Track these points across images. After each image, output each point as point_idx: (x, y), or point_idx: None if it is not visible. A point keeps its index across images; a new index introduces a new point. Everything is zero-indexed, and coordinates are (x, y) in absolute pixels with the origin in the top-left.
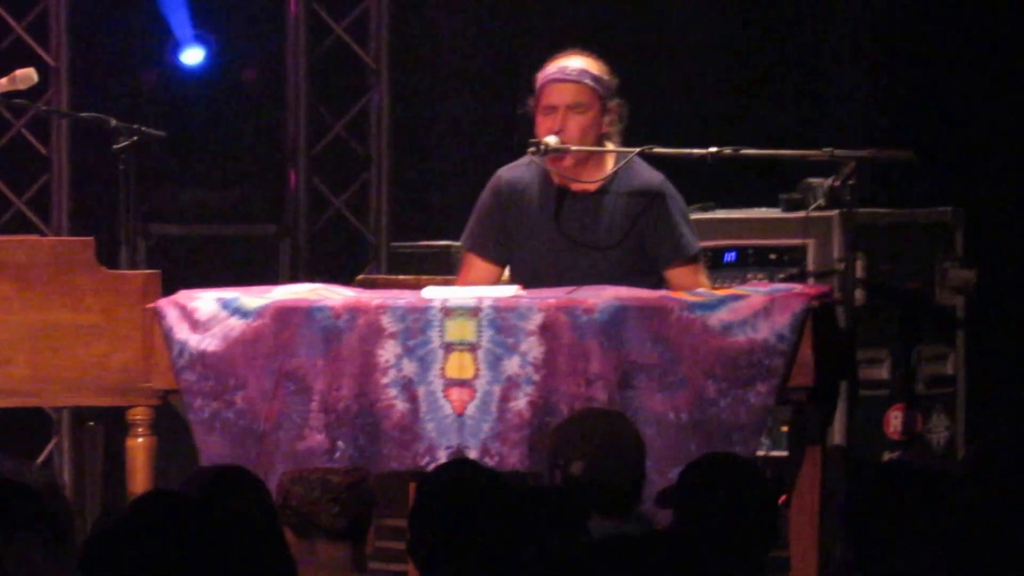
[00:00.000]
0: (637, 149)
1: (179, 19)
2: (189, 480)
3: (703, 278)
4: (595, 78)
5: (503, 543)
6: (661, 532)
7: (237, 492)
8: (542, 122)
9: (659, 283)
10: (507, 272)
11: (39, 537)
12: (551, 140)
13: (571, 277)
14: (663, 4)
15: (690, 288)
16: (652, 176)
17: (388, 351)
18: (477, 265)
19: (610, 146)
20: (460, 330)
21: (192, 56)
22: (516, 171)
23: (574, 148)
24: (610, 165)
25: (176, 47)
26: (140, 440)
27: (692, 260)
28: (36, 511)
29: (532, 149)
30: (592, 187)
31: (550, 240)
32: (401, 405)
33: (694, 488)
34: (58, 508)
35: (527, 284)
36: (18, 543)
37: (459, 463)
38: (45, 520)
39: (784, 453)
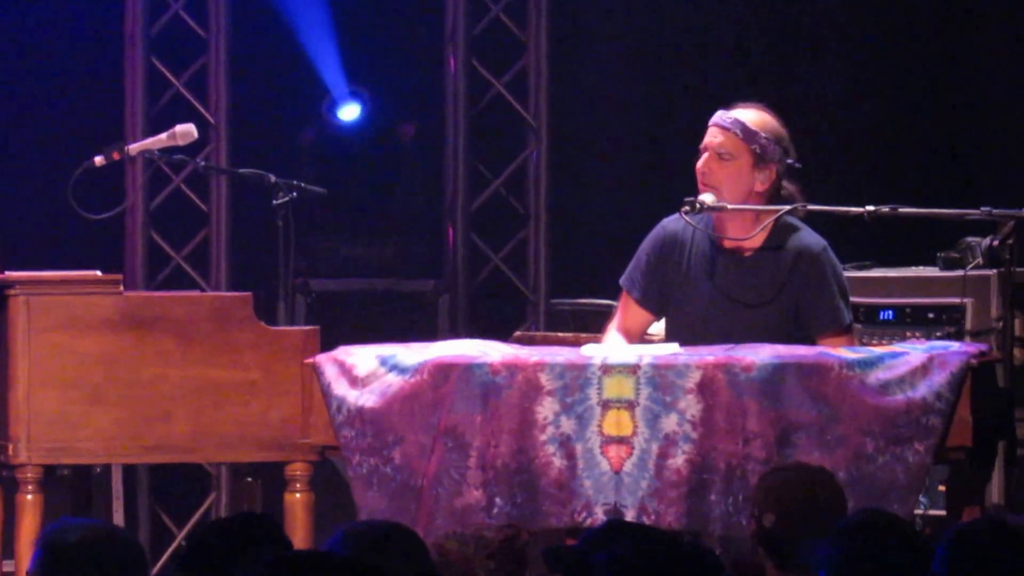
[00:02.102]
0: (790, 207)
1: (334, 76)
2: (343, 537)
3: None
4: (746, 130)
5: None
6: None
7: (392, 550)
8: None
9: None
10: (662, 323)
11: None
12: (707, 199)
13: (726, 334)
14: (814, 58)
15: (854, 347)
16: (814, 241)
17: (546, 408)
18: (632, 308)
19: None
20: (618, 388)
21: (349, 113)
22: (679, 223)
23: (730, 207)
24: (769, 227)
25: (332, 104)
26: (298, 496)
27: (845, 331)
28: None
29: (686, 208)
30: (751, 245)
31: (707, 296)
32: (559, 462)
33: (851, 546)
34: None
35: (682, 338)
36: None
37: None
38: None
39: (942, 512)
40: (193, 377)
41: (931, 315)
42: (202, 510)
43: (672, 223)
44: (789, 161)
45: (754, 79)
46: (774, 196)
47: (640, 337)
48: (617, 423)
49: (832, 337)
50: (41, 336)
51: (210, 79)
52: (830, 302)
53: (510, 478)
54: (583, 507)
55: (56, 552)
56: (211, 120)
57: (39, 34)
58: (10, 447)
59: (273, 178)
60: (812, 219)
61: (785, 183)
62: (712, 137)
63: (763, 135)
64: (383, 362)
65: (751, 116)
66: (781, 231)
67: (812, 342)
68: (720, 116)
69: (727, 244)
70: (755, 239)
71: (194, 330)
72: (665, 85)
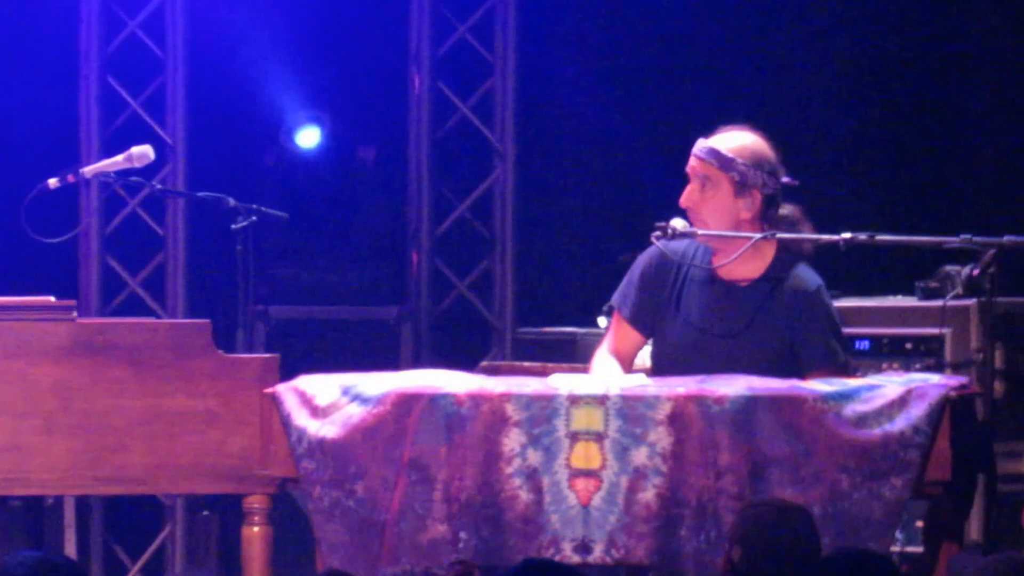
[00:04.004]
0: (765, 234)
1: (291, 100)
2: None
3: None
4: (722, 158)
5: None
6: None
7: None
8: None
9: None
10: (649, 347)
11: None
12: (678, 224)
13: (712, 367)
14: (793, 87)
15: (829, 380)
16: (809, 279)
17: (512, 440)
18: (623, 328)
19: (751, 233)
20: (587, 419)
21: (307, 138)
22: (678, 245)
23: (701, 233)
24: (769, 257)
25: (289, 131)
26: (256, 529)
27: (840, 369)
28: None
29: (657, 233)
30: (748, 276)
31: (695, 326)
32: (525, 495)
33: None
34: None
35: (667, 366)
36: None
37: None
38: None
39: (919, 549)
40: (149, 406)
41: (909, 346)
42: (157, 543)
43: (670, 244)
44: (785, 180)
45: (727, 103)
46: (769, 220)
47: (631, 362)
48: (585, 456)
49: (825, 374)
50: None
51: (168, 99)
52: (825, 342)
53: (475, 512)
54: (550, 542)
55: None
56: (168, 141)
57: None
58: None
59: (232, 201)
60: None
61: (783, 205)
62: (692, 168)
63: (740, 161)
64: (345, 392)
65: (729, 142)
66: (780, 264)
67: (803, 378)
68: (698, 145)
69: (721, 275)
70: (754, 270)
71: (150, 358)
72: (636, 108)
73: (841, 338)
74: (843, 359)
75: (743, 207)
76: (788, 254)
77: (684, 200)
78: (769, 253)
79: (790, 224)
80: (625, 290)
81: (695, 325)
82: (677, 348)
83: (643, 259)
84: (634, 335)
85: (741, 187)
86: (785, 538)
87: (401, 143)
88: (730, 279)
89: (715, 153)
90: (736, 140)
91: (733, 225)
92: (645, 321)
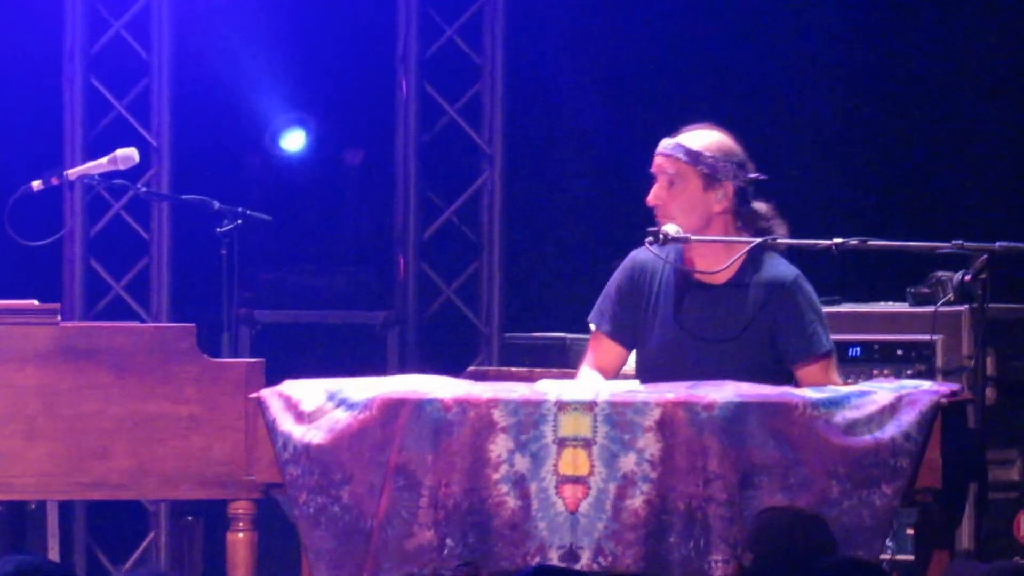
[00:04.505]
0: (758, 240)
1: (277, 103)
2: None
3: (834, 376)
4: (689, 152)
5: None
6: None
7: None
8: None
9: (788, 379)
10: (632, 358)
11: None
12: (671, 229)
13: (695, 370)
14: (785, 91)
15: (820, 387)
16: (785, 271)
17: (500, 446)
18: (604, 344)
19: (732, 233)
20: (575, 425)
21: (293, 141)
22: (649, 253)
23: (694, 238)
24: (742, 257)
25: (274, 136)
26: (241, 535)
27: (822, 357)
28: None
29: (650, 239)
30: (722, 278)
31: (675, 330)
32: (512, 502)
33: None
34: None
35: (650, 373)
36: None
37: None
38: None
39: (910, 557)
40: (132, 411)
41: (900, 352)
42: (141, 549)
43: (642, 253)
44: (753, 175)
45: (717, 106)
46: (742, 215)
47: (616, 375)
48: (573, 462)
49: (810, 365)
50: None
51: (153, 101)
52: (803, 331)
53: (462, 518)
54: (537, 549)
55: None
56: (153, 144)
57: None
58: None
59: (217, 204)
60: (776, 251)
61: (754, 202)
62: (658, 166)
63: (708, 154)
64: (331, 397)
65: (695, 138)
66: (753, 262)
67: (790, 374)
68: (662, 144)
69: (697, 276)
70: (726, 271)
71: (134, 362)
72: (625, 111)
73: (824, 326)
74: (827, 347)
75: (714, 200)
76: (761, 249)
77: (652, 198)
78: (737, 251)
79: (763, 219)
80: (602, 306)
81: (676, 329)
82: (660, 353)
83: (617, 274)
84: (616, 349)
85: (711, 180)
86: (798, 544)
87: (388, 146)
88: (706, 280)
89: (682, 148)
90: (702, 136)
91: (705, 220)
92: (626, 333)
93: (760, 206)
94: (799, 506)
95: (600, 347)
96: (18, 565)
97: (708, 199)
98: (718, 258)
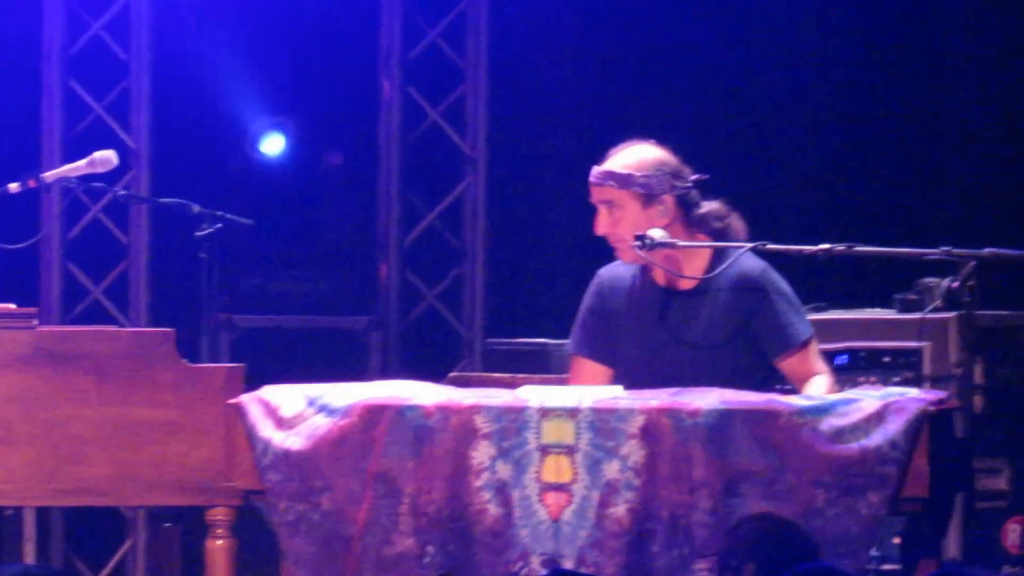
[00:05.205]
0: (748, 245)
1: (255, 108)
2: None
3: (816, 362)
4: (618, 176)
5: None
6: None
7: None
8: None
9: (766, 378)
10: None
11: None
12: (656, 234)
13: (673, 377)
14: (771, 96)
15: (805, 375)
16: (752, 265)
17: (482, 452)
18: (588, 368)
19: (706, 239)
20: (558, 432)
21: (272, 145)
22: (616, 269)
23: (681, 244)
24: (706, 256)
25: (253, 141)
26: (220, 542)
27: (802, 347)
28: None
29: (637, 244)
30: (691, 283)
31: (650, 339)
32: (494, 509)
33: None
34: None
35: (628, 384)
36: None
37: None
38: None
39: (896, 567)
40: (111, 417)
41: (887, 359)
42: (118, 556)
43: (607, 271)
44: (694, 177)
45: (704, 111)
46: (692, 221)
47: None
48: (556, 469)
49: (791, 356)
50: None
51: (132, 103)
52: (778, 323)
53: (443, 526)
54: (519, 557)
55: None
56: (132, 146)
57: None
58: None
59: (196, 208)
60: (763, 257)
61: (704, 203)
62: (594, 196)
63: (639, 174)
64: (311, 403)
65: (622, 159)
66: (719, 259)
67: (773, 368)
68: (592, 173)
69: (666, 285)
70: (695, 271)
71: (112, 367)
72: (610, 115)
73: (799, 313)
74: (805, 335)
75: (657, 215)
76: (723, 253)
77: (598, 229)
78: (706, 251)
79: (716, 219)
80: (578, 333)
81: (650, 339)
82: (638, 365)
83: (586, 297)
84: (601, 370)
85: (648, 198)
86: (781, 553)
87: (370, 150)
88: (675, 287)
89: (610, 175)
90: (628, 156)
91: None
92: (607, 352)
93: (711, 206)
94: (783, 514)
95: (584, 372)
96: (26, 570)
97: (650, 216)
98: (684, 263)
